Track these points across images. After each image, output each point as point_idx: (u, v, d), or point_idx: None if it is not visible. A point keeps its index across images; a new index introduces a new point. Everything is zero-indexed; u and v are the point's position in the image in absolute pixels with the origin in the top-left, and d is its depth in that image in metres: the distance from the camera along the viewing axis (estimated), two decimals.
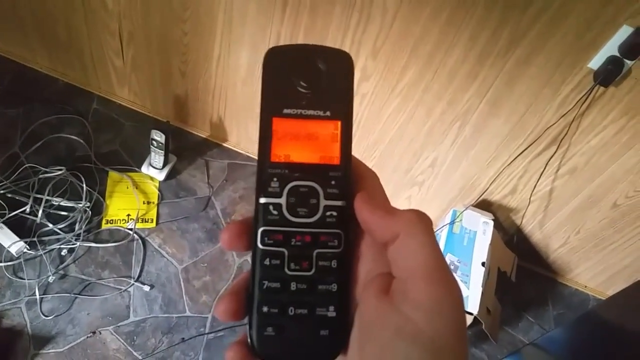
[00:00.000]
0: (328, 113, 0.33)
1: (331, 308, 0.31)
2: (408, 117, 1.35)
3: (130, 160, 1.60)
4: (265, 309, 0.31)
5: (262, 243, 0.32)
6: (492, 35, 1.13)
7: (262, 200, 0.32)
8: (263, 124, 0.32)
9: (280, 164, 0.32)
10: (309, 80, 0.33)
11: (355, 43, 1.24)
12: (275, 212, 0.32)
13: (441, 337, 0.26)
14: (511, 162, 1.35)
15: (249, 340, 0.31)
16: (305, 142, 0.32)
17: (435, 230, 1.55)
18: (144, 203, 1.52)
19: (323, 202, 0.32)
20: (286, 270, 0.31)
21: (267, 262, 0.31)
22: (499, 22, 1.10)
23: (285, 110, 0.32)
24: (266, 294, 0.31)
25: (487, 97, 1.25)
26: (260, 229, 0.32)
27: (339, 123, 0.33)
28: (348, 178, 0.32)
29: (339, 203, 0.32)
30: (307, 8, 1.21)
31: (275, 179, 0.32)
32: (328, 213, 0.32)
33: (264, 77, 0.33)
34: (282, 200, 0.32)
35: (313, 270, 0.32)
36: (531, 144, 1.30)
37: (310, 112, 0.32)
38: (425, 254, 0.28)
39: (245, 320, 0.32)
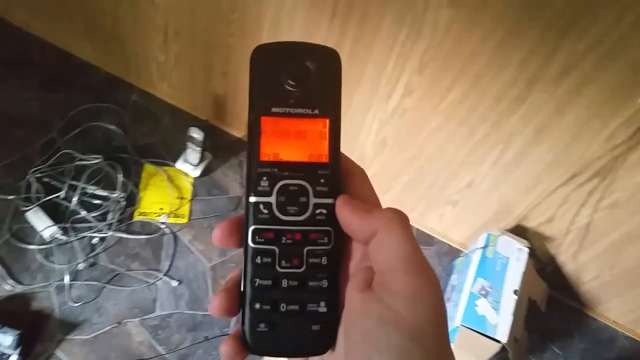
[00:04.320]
0: (316, 111, 0.33)
1: (322, 303, 0.32)
2: (449, 136, 1.33)
3: (166, 154, 1.61)
4: (257, 305, 0.32)
5: (253, 241, 0.32)
6: (544, 61, 1.10)
7: (252, 199, 0.32)
8: (251, 122, 0.33)
9: (270, 162, 0.33)
10: (297, 78, 0.33)
11: (402, 57, 1.22)
12: (265, 211, 0.32)
13: (421, 324, 0.27)
14: (552, 191, 1.32)
15: (242, 335, 0.32)
16: (294, 141, 0.33)
17: (466, 252, 1.53)
18: (177, 198, 1.53)
19: (313, 200, 0.32)
20: (277, 267, 0.32)
21: (258, 260, 0.32)
22: (553, 49, 1.07)
23: (274, 109, 0.33)
24: (258, 291, 0.32)
25: (533, 123, 1.21)
26: (251, 228, 0.32)
27: (328, 121, 0.33)
28: (337, 176, 0.33)
29: (328, 201, 0.32)
30: (356, 18, 1.20)
31: (264, 178, 0.32)
32: (318, 211, 0.33)
33: (252, 76, 0.33)
34: (272, 199, 0.32)
35: (304, 267, 0.32)
36: (575, 176, 1.26)
37: (299, 110, 0.33)
38: (403, 248, 0.29)
39: (239, 316, 0.32)
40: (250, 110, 0.33)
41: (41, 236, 1.38)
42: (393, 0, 1.12)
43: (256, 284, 0.32)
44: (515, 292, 1.37)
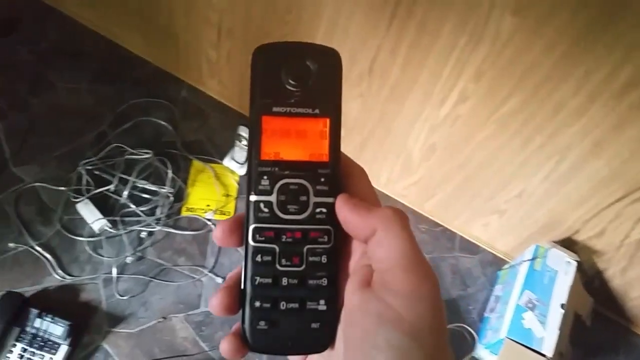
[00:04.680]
0: (317, 111, 0.33)
1: (321, 302, 0.33)
2: (502, 146, 1.31)
3: (213, 151, 1.62)
4: (257, 303, 0.32)
5: (254, 240, 0.33)
6: (609, 74, 1.07)
7: (253, 198, 0.33)
8: (252, 122, 0.33)
9: (270, 161, 0.33)
10: (297, 78, 0.33)
11: (459, 63, 1.21)
12: (266, 210, 0.33)
13: (420, 322, 0.27)
14: (606, 206, 1.29)
15: (242, 333, 0.32)
16: (294, 140, 0.33)
17: (512, 263, 1.51)
18: (223, 195, 1.54)
19: (313, 199, 0.33)
20: (277, 266, 0.33)
21: (258, 258, 0.33)
22: (619, 62, 1.04)
23: (275, 108, 0.33)
24: (258, 289, 0.33)
25: (592, 137, 1.19)
26: (252, 226, 0.33)
27: (328, 120, 0.33)
28: (337, 175, 0.34)
29: (328, 200, 0.33)
30: (415, 24, 1.18)
31: (265, 177, 0.33)
32: (318, 210, 0.33)
33: (253, 75, 0.34)
34: (273, 198, 0.33)
35: (304, 266, 0.33)
36: (631, 192, 1.23)
37: (299, 109, 0.33)
38: (402, 246, 0.29)
39: (239, 314, 0.33)
40: (251, 109, 0.33)
41: (91, 228, 1.41)
42: (456, 6, 1.11)
43: (256, 282, 0.32)
44: (563, 305, 1.35)
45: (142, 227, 1.44)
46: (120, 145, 1.53)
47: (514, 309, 1.35)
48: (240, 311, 0.33)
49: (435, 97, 1.30)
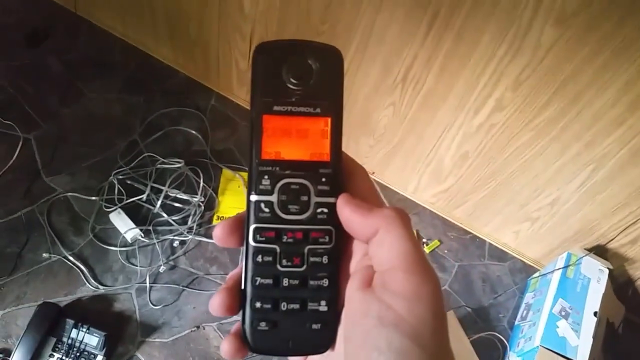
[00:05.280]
0: (318, 110, 0.33)
1: (322, 302, 0.32)
2: (538, 153, 1.31)
3: (243, 160, 1.62)
4: (258, 304, 0.32)
5: (255, 240, 0.32)
6: None
7: (254, 197, 0.33)
8: (253, 121, 0.33)
9: (271, 161, 0.33)
10: (299, 77, 0.33)
11: (497, 73, 1.21)
12: (266, 210, 0.32)
13: (421, 324, 0.27)
14: None
15: (242, 334, 0.32)
16: (295, 139, 0.33)
17: (543, 271, 1.51)
18: None
19: (314, 199, 0.33)
20: (278, 266, 0.32)
21: (259, 258, 0.32)
22: None
23: (276, 107, 0.32)
24: (259, 290, 0.32)
25: (630, 146, 1.19)
26: (252, 227, 0.32)
27: (329, 120, 0.33)
28: (338, 175, 0.33)
29: (329, 200, 0.33)
30: (453, 33, 1.19)
31: (266, 177, 0.32)
32: (319, 210, 0.33)
33: (254, 74, 0.33)
34: (274, 198, 0.32)
35: (305, 266, 0.32)
36: None
37: (301, 108, 0.33)
38: (403, 247, 0.29)
39: (239, 315, 0.33)
40: (252, 109, 0.33)
41: (124, 238, 1.41)
42: (496, 16, 1.11)
43: (257, 283, 0.32)
44: (595, 313, 1.35)
45: (174, 236, 1.44)
46: (151, 154, 1.53)
47: (547, 317, 1.35)
48: (241, 312, 0.33)
49: (470, 106, 1.31)
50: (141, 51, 1.75)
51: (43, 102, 1.59)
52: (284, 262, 0.32)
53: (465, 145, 1.41)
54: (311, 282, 0.32)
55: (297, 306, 0.32)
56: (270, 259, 0.32)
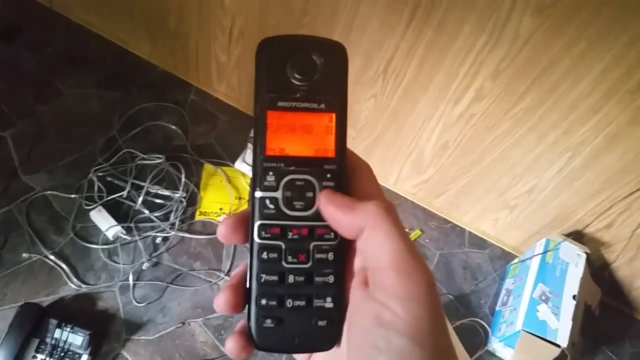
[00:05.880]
0: (323, 105, 0.33)
1: (328, 299, 0.32)
2: (516, 142, 1.34)
3: (224, 154, 1.61)
4: (263, 301, 0.32)
5: (260, 237, 0.32)
6: (625, 73, 1.11)
7: (258, 194, 0.32)
8: (257, 117, 0.32)
9: (276, 157, 0.32)
10: (303, 73, 0.33)
11: (477, 63, 1.23)
12: (271, 206, 0.32)
13: (418, 323, 0.26)
14: (617, 198, 1.33)
15: (247, 331, 0.32)
16: (300, 135, 0.33)
17: (522, 257, 1.54)
18: (236, 198, 1.54)
19: (319, 195, 0.32)
20: (283, 263, 0.32)
21: (264, 255, 0.32)
22: (635, 61, 1.08)
23: (280, 103, 0.32)
24: (264, 287, 0.32)
25: (605, 132, 1.23)
26: (257, 223, 0.32)
27: (334, 115, 0.33)
28: (343, 171, 0.33)
29: None
30: (434, 25, 1.20)
31: (270, 173, 0.32)
32: None
33: (258, 69, 0.33)
34: (279, 194, 0.32)
35: (310, 263, 0.32)
36: None
37: (305, 104, 0.32)
38: (391, 244, 0.28)
39: (245, 312, 0.33)
40: (256, 104, 0.33)
41: (105, 235, 1.39)
42: (476, 7, 1.13)
43: (262, 280, 0.32)
44: (574, 297, 1.38)
45: (156, 232, 1.43)
46: (131, 150, 1.51)
47: (528, 301, 1.38)
48: (246, 309, 0.32)
49: (450, 97, 1.33)
50: (118, 46, 1.72)
51: (18, 99, 1.56)
52: (290, 258, 0.32)
53: (445, 136, 1.43)
54: (317, 279, 0.32)
55: (302, 303, 0.32)
56: (275, 255, 0.32)
